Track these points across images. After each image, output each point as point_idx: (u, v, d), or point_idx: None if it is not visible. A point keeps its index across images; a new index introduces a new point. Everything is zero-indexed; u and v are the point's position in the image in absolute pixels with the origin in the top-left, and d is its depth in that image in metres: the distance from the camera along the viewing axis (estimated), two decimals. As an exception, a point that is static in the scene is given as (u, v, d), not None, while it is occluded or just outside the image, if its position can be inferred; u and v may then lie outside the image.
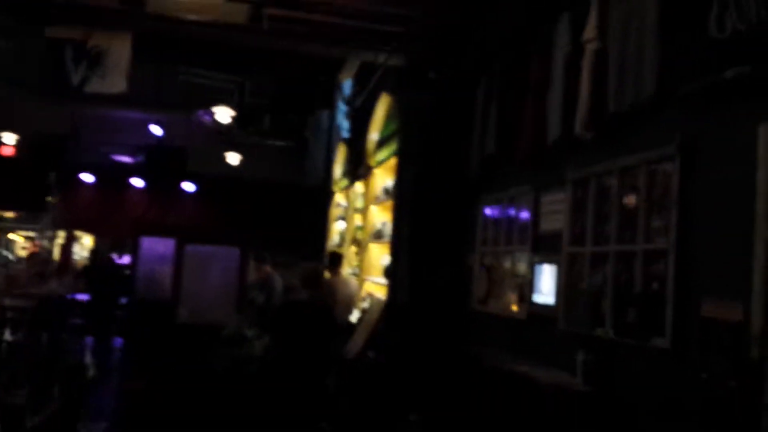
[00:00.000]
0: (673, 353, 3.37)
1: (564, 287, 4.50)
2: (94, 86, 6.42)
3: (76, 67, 6.40)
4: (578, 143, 4.49)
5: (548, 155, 4.94)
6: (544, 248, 4.98)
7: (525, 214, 5.32)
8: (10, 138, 14.18)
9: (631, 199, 3.97)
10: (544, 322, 4.75)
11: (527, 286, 5.10)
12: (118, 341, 8.67)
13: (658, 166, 3.73)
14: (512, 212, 5.58)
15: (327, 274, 7.60)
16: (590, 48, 4.31)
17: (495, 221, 5.97)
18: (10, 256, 16.25)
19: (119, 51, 6.36)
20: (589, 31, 4.32)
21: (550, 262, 4.80)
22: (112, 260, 11.12)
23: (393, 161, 8.00)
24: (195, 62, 13.70)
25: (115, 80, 6.42)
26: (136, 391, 4.15)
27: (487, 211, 6.15)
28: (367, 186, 9.38)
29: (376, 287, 8.73)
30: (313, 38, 6.79)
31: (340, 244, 11.13)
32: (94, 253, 11.29)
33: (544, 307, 4.78)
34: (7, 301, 7.15)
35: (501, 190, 5.81)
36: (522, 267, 5.32)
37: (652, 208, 3.74)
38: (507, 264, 5.64)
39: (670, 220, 3.52)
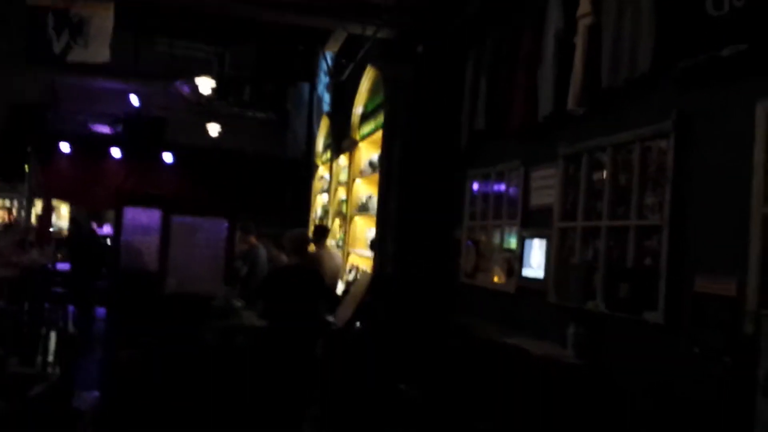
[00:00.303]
0: (666, 328, 3.44)
1: (554, 261, 4.56)
2: (77, 55, 6.27)
3: (58, 36, 6.23)
4: (570, 119, 4.52)
5: (539, 130, 4.97)
6: (533, 223, 5.03)
7: (514, 189, 5.36)
8: (-14, 106, 13.85)
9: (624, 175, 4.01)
10: (534, 296, 4.82)
11: (516, 260, 5.16)
12: (100, 311, 8.61)
13: (652, 142, 3.77)
14: (501, 187, 5.61)
15: (312, 247, 7.61)
16: (584, 23, 4.31)
17: (483, 196, 6.01)
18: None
19: (102, 20, 6.20)
20: (584, 6, 4.32)
21: (539, 236, 4.86)
22: (93, 230, 10.98)
23: (378, 135, 7.99)
24: (174, 32, 13.46)
25: (97, 49, 6.27)
26: (126, 360, 4.13)
27: (475, 185, 6.18)
28: (351, 159, 9.36)
29: (361, 260, 8.77)
30: (301, 9, 6.69)
31: (323, 217, 11.14)
32: (75, 222, 11.12)
33: (534, 281, 4.85)
34: (-12, 271, 7.04)
35: (490, 164, 5.84)
36: (511, 241, 5.38)
37: (646, 185, 3.79)
38: (495, 238, 5.69)
39: (664, 196, 3.57)
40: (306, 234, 6.84)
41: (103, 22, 6.24)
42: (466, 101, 6.19)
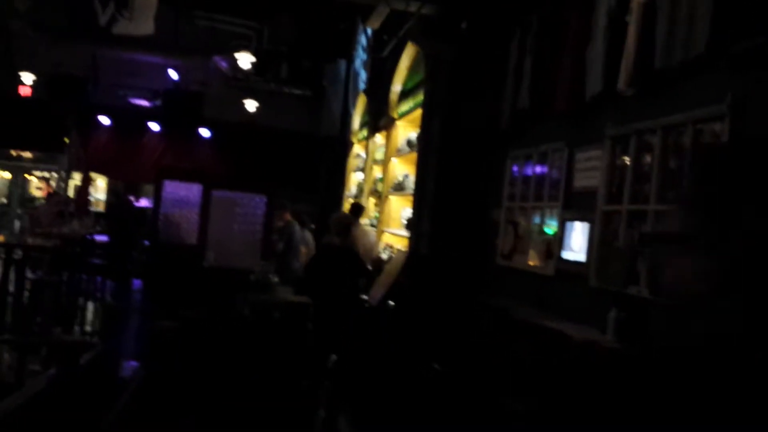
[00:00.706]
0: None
1: (597, 245, 4.48)
2: (121, 28, 6.29)
3: (104, 8, 6.26)
4: (618, 99, 4.41)
5: (585, 111, 4.86)
6: (576, 205, 4.94)
7: (557, 171, 5.26)
8: (28, 78, 14.08)
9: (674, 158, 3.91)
10: (573, 279, 4.75)
11: (556, 242, 5.08)
12: (136, 283, 8.75)
13: (705, 125, 3.66)
14: (543, 168, 5.52)
15: None
16: (638, 1, 4.18)
17: (524, 177, 5.92)
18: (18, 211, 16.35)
19: (146, -9, 6.23)
20: (639, -16, 4.19)
21: (582, 219, 4.77)
22: (131, 203, 11.15)
23: (416, 113, 7.92)
24: (214, 7, 13.49)
25: (142, 22, 6.29)
26: (164, 332, 4.18)
27: (516, 166, 6.09)
28: (388, 137, 9.31)
29: (395, 239, 8.76)
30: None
31: (358, 195, 11.12)
32: (114, 195, 11.30)
33: (574, 264, 4.77)
34: (31, 241, 7.19)
35: (532, 145, 5.74)
36: (551, 223, 5.30)
37: (697, 168, 3.68)
38: (535, 220, 5.61)
39: (716, 180, 3.46)
40: (349, 217, 6.91)
41: (148, -5, 6.26)
42: (510, 80, 6.08)
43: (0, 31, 13.91)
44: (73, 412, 2.16)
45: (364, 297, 7.24)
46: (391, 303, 6.33)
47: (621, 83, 4.25)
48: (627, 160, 4.33)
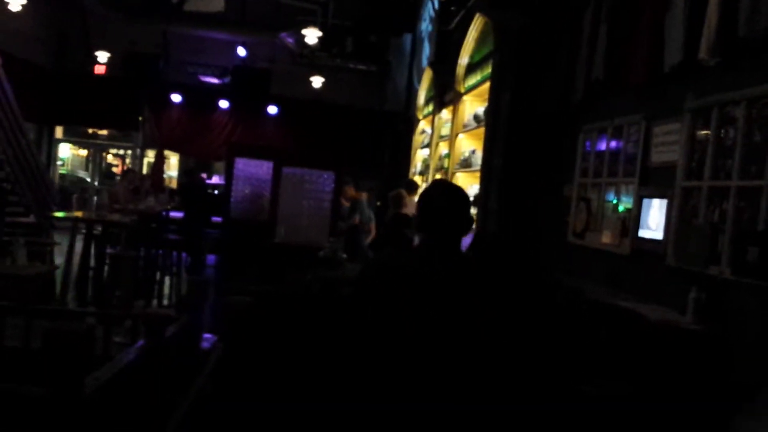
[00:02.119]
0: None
1: (676, 222, 4.32)
2: (193, 4, 6.40)
3: (175, -15, 6.37)
4: (699, 70, 4.20)
5: (663, 82, 4.66)
6: (653, 181, 4.77)
7: (633, 145, 5.08)
8: (103, 56, 14.54)
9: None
10: (650, 258, 4.60)
11: (632, 220, 4.93)
12: (210, 258, 9.00)
13: (794, 96, 3.45)
14: (618, 142, 5.34)
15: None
16: (722, -34, 3.96)
17: (597, 152, 5.74)
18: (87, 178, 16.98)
19: (216, -32, 6.28)
20: (723, -52, 3.96)
21: (659, 195, 4.60)
22: (203, 181, 11.43)
23: (484, 87, 7.79)
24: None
25: (212, -2, 6.37)
26: (240, 305, 4.28)
27: (589, 140, 5.92)
28: (454, 112, 9.20)
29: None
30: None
31: (424, 172, 11.08)
32: (189, 172, 11.60)
33: (651, 243, 4.62)
34: (110, 217, 7.48)
35: (606, 118, 5.56)
36: (626, 200, 5.14)
37: (786, 142, 3.49)
38: (609, 197, 5.46)
39: (808, 155, 3.28)
40: (402, 193, 7.29)
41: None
42: (583, 51, 5.88)
43: (75, 11, 14.41)
44: (162, 383, 2.26)
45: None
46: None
47: (702, 53, 4.04)
48: (708, 133, 4.14)
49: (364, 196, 8.31)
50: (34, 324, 3.62)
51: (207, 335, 4.09)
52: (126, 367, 1.88)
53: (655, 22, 4.70)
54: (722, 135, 4.04)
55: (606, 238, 5.31)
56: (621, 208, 5.20)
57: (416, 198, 8.75)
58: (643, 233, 4.76)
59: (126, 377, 1.87)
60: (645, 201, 4.77)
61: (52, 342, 1.38)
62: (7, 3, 10.65)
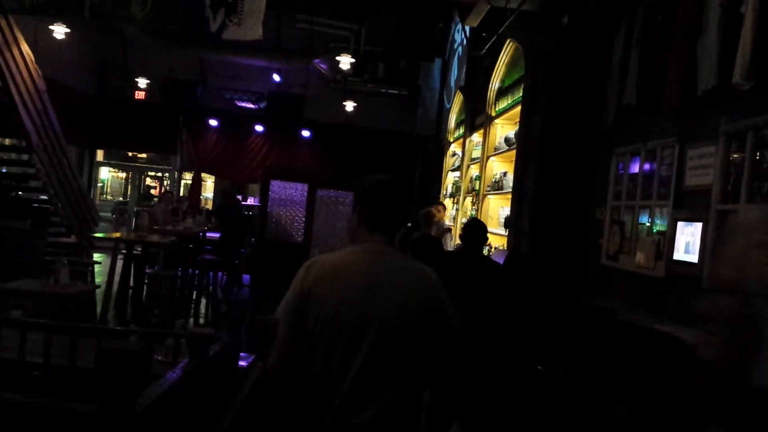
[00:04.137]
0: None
1: (712, 246, 4.30)
2: (231, 33, 6.58)
3: (215, 15, 6.57)
4: (733, 93, 4.21)
5: (697, 106, 4.67)
6: (687, 204, 4.76)
7: (666, 168, 5.08)
8: (142, 82, 14.96)
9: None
10: (685, 282, 4.58)
11: (666, 243, 4.91)
12: (245, 278, 9.13)
13: (832, 119, 3.45)
14: (651, 165, 5.34)
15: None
16: (755, -10, 3.99)
17: (630, 174, 5.75)
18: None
19: (254, -2, 6.48)
20: (755, -27, 4.00)
21: (694, 219, 4.59)
22: (239, 202, 11.64)
23: (515, 111, 7.84)
24: (314, 9, 13.85)
25: (250, 27, 6.55)
26: (270, 325, 4.35)
27: (621, 163, 5.93)
28: (485, 136, 9.26)
29: (493, 238, 8.71)
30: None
31: (454, 194, 11.13)
32: (225, 194, 11.83)
33: (686, 266, 4.60)
34: (149, 237, 7.67)
35: (639, 141, 5.57)
36: (660, 223, 5.13)
37: (824, 165, 3.48)
38: (642, 219, 5.45)
39: None
40: (431, 211, 7.38)
41: (256, 1, 6.50)
42: (615, 75, 5.92)
43: (116, 38, 14.89)
44: (205, 401, 2.32)
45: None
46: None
47: (736, 77, 4.06)
48: (743, 156, 4.14)
49: None
50: (79, 342, 3.75)
51: (243, 354, 4.16)
52: (173, 385, 1.96)
53: (687, 47, 4.73)
54: (758, 158, 4.04)
55: (640, 260, 5.29)
56: (655, 230, 5.18)
57: (445, 217, 8.82)
58: (678, 256, 4.74)
59: (172, 396, 1.95)
60: (680, 224, 4.76)
61: (108, 361, 1.45)
62: (52, 31, 11.05)
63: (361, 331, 2.10)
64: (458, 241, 6.63)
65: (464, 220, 9.82)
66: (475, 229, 5.26)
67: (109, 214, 16.47)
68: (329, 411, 2.09)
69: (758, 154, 4.03)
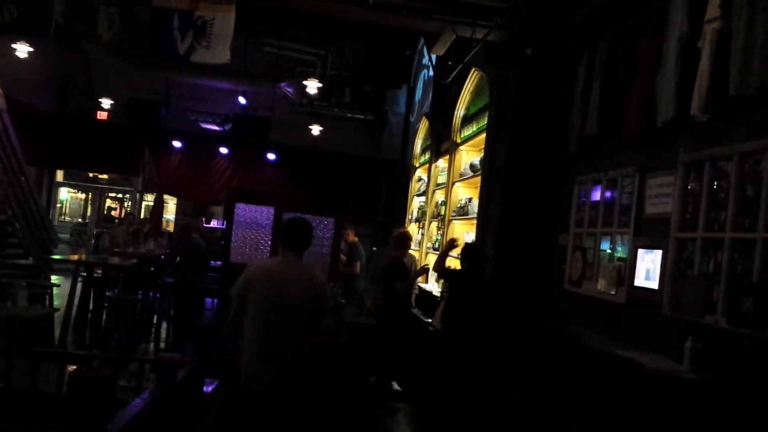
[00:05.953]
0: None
1: (671, 273, 4.42)
2: (199, 56, 6.56)
3: (183, 37, 6.56)
4: (691, 125, 4.36)
5: (656, 136, 4.82)
6: (647, 232, 4.89)
7: (627, 196, 5.22)
8: (106, 103, 14.79)
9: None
10: (646, 307, 4.68)
11: (627, 269, 5.03)
12: (208, 302, 9.00)
13: (784, 151, 3.59)
14: (613, 193, 5.48)
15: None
16: (712, 28, 4.15)
17: (592, 202, 5.88)
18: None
19: (224, 21, 6.48)
20: (712, 11, 4.16)
21: (654, 246, 4.71)
22: (198, 239, 10.88)
23: (479, 138, 7.96)
24: (280, 34, 13.93)
25: (219, 50, 6.55)
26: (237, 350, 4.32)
27: (583, 191, 6.06)
28: (451, 162, 9.36)
29: (458, 263, 8.76)
30: (415, 12, 6.75)
31: (420, 219, 11.19)
32: (184, 228, 11.10)
33: (647, 292, 4.71)
34: (111, 260, 7.54)
35: (600, 170, 5.71)
36: (621, 250, 5.24)
37: (777, 196, 3.62)
38: (604, 246, 5.56)
39: (798, 208, 3.40)
40: (408, 233, 7.26)
41: (225, 24, 6.51)
42: (577, 105, 6.07)
43: (80, 58, 14.71)
44: (173, 426, 2.29)
45: (428, 320, 7.29)
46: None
47: (694, 109, 4.21)
48: (701, 186, 4.27)
49: (356, 239, 8.41)
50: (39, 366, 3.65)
51: (207, 379, 4.11)
52: (141, 411, 1.94)
53: (647, 79, 4.89)
54: (715, 188, 4.17)
55: (602, 286, 5.40)
56: (616, 257, 5.30)
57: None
58: (638, 282, 4.85)
59: (141, 421, 1.93)
60: (640, 251, 4.87)
61: (77, 386, 1.44)
62: (14, 50, 10.88)
63: (276, 310, 3.83)
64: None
65: (429, 245, 9.88)
66: (476, 253, 6.29)
67: (68, 236, 16.12)
68: (252, 353, 3.75)
69: (715, 183, 4.17)
